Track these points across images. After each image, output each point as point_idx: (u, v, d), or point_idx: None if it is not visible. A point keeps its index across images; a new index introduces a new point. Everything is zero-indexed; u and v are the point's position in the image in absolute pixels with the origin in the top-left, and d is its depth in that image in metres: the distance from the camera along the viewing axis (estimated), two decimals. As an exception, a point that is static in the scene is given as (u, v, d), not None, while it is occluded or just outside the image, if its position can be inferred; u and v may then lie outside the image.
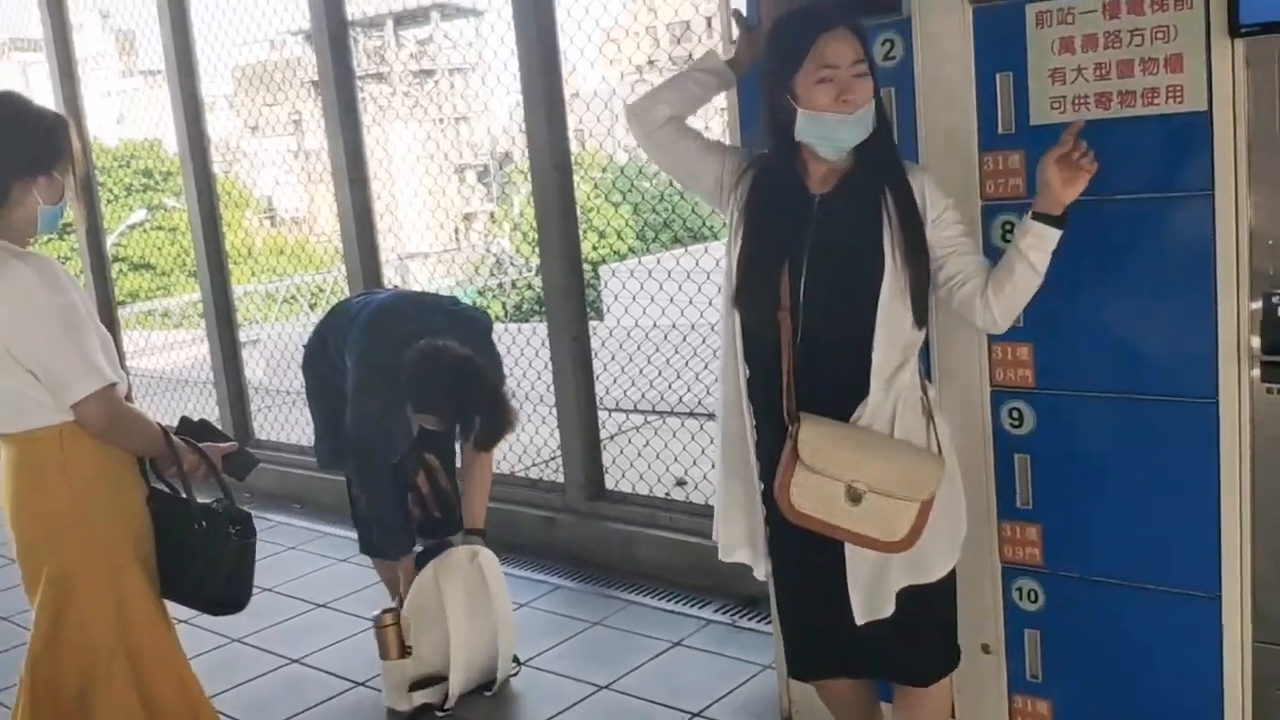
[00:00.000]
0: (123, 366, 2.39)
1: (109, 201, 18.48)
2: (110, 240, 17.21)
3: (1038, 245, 2.06)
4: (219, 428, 2.60)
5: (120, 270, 18.21)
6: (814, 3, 2.18)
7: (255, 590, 4.03)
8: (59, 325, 2.19)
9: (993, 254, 2.26)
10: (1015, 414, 2.48)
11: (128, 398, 2.40)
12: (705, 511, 3.93)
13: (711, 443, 4.33)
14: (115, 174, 17.90)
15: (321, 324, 3.45)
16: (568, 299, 4.09)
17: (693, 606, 3.73)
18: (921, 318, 2.13)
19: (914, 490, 2.11)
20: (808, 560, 2.24)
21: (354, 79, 4.75)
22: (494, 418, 3.09)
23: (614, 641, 3.57)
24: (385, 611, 3.22)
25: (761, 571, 2.36)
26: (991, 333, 2.28)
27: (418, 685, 3.20)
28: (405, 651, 3.19)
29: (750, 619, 3.58)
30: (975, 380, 2.50)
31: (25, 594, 2.38)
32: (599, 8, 4.20)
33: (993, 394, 2.50)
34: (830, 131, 2.08)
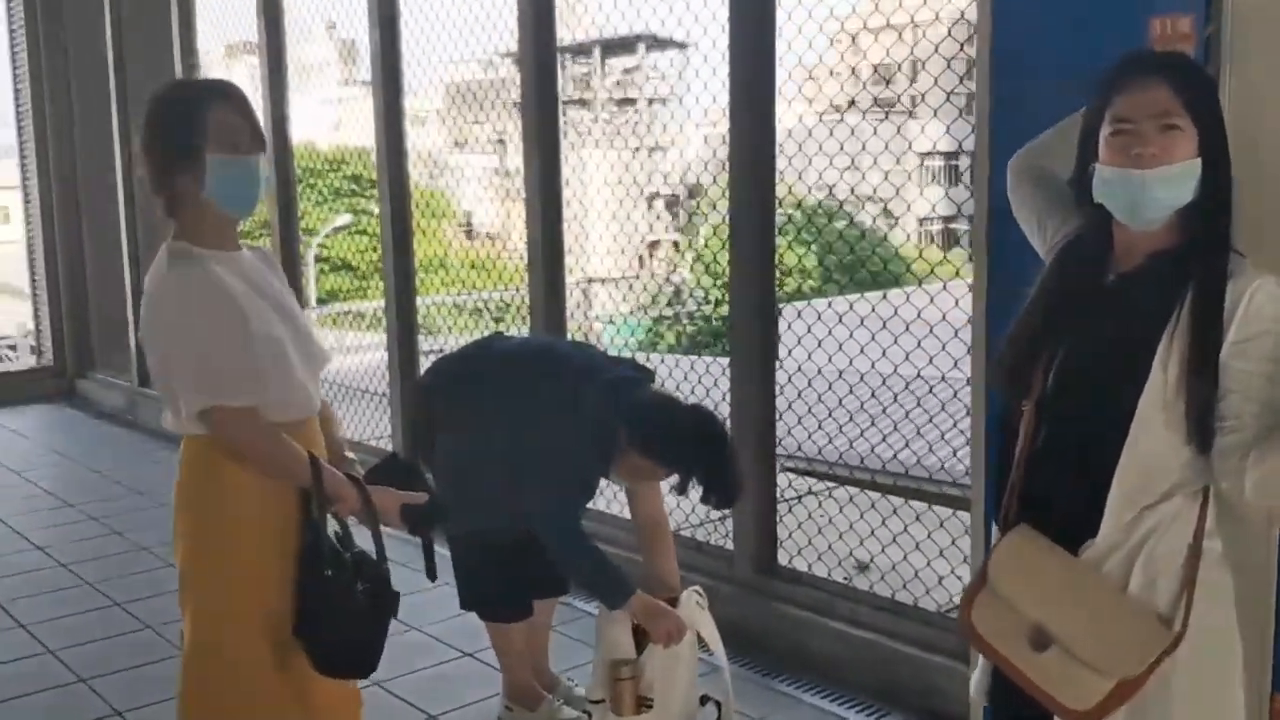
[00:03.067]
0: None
1: (318, 203, 19.28)
2: (315, 241, 17.92)
3: None
4: (422, 473, 2.46)
5: (322, 270, 19.02)
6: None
7: (403, 628, 3.93)
8: (180, 336, 2.09)
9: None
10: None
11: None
12: (891, 606, 3.53)
13: (893, 514, 3.99)
14: (326, 178, 18.63)
15: (460, 369, 3.17)
16: (756, 348, 3.77)
17: (869, 715, 3.31)
18: (1204, 446, 1.68)
19: (1108, 662, 1.69)
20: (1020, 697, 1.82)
21: (558, 105, 4.56)
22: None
23: (780, 745, 3.20)
24: (622, 663, 2.88)
25: (975, 689, 1.99)
26: (1235, 502, 1.83)
27: None
28: (641, 706, 2.88)
29: (938, 742, 3.15)
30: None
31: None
32: (803, 44, 3.90)
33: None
34: (1116, 191, 1.72)
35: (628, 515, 4.29)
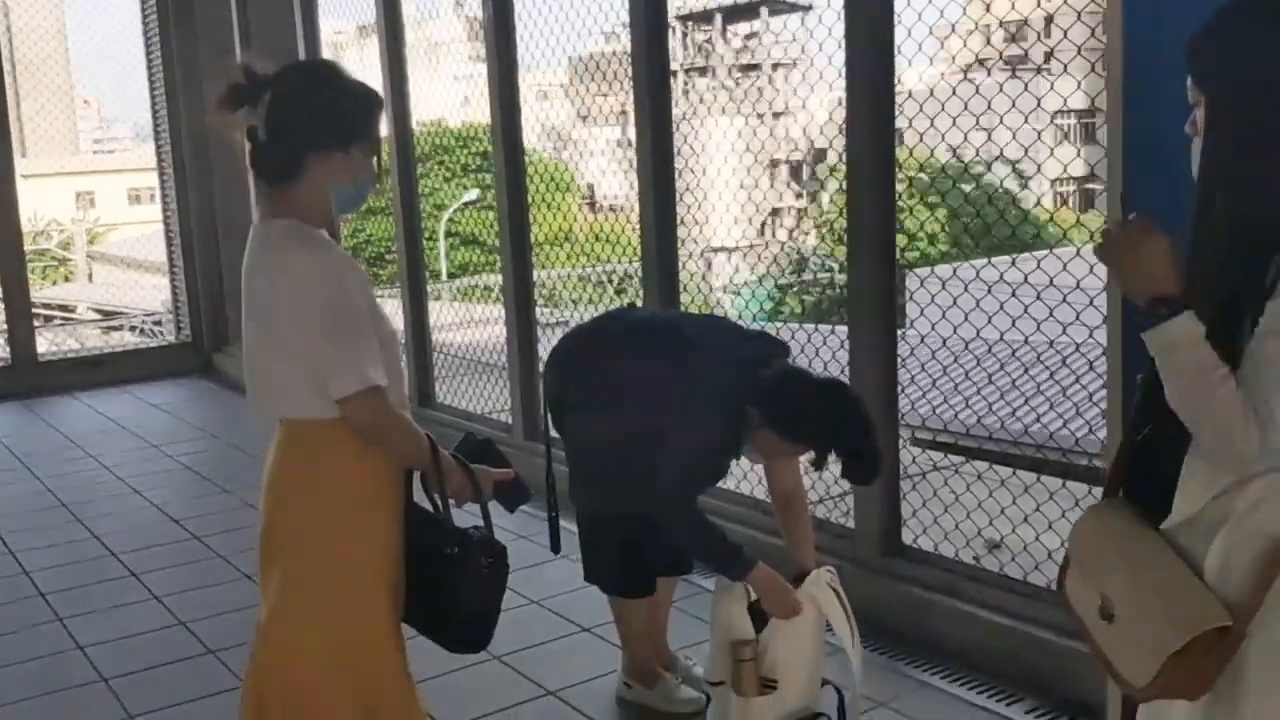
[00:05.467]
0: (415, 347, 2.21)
1: (448, 179, 19.57)
2: (445, 216, 18.18)
3: None
4: (500, 451, 2.40)
5: (452, 244, 19.35)
6: None
7: (523, 601, 3.94)
8: (330, 318, 2.06)
9: None
10: None
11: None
12: (1021, 588, 3.37)
13: (1025, 492, 3.80)
14: (455, 154, 18.85)
15: (588, 344, 3.14)
16: (877, 316, 3.62)
17: (1001, 702, 3.16)
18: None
19: (1147, 635, 1.57)
20: None
21: (668, 75, 4.46)
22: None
23: (906, 731, 3.08)
24: (743, 643, 2.82)
25: None
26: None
27: None
28: (766, 688, 2.81)
29: (1074, 731, 2.99)
30: None
31: (259, 575, 2.26)
32: (923, 1, 3.69)
33: None
34: None
35: (758, 494, 4.23)
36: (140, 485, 5.73)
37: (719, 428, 2.80)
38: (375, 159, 2.20)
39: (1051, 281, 3.91)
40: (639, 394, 2.92)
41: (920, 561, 3.65)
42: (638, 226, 4.57)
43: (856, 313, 3.69)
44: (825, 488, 4.21)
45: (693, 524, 2.89)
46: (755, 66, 27.20)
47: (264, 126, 2.12)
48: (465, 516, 2.27)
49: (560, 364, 3.19)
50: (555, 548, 3.09)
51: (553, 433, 3.29)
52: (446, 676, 3.22)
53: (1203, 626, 1.53)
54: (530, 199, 5.53)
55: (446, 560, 2.19)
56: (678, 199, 4.56)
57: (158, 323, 12.29)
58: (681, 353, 2.93)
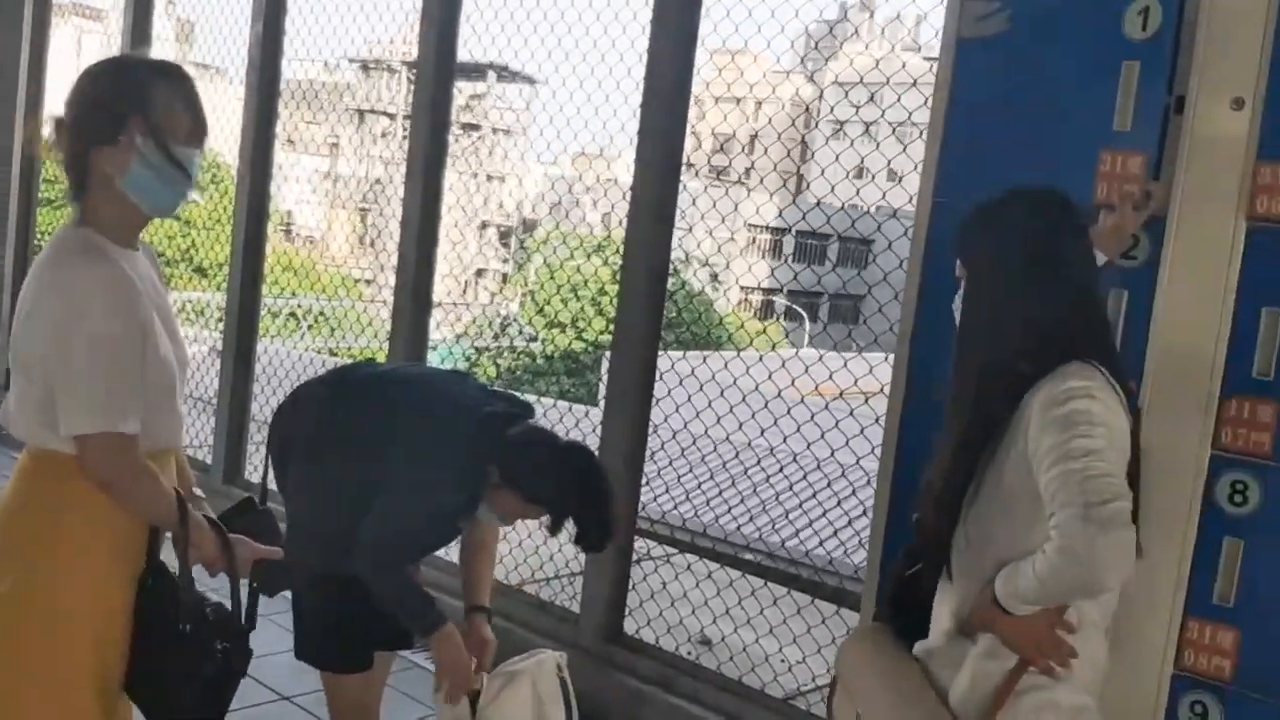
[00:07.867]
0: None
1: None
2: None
3: None
4: (278, 526, 2.21)
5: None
6: None
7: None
8: (85, 348, 1.81)
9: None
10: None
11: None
12: (737, 689, 3.47)
13: (752, 594, 3.94)
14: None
15: (324, 395, 2.96)
16: (634, 404, 3.64)
17: (707, 801, 3.24)
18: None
19: None
20: None
21: (448, 125, 4.38)
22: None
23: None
24: None
25: None
26: None
27: None
28: None
29: (777, 835, 3.09)
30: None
31: None
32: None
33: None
34: None
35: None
36: None
37: (455, 484, 2.71)
38: (158, 137, 1.87)
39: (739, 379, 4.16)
40: (376, 447, 2.79)
41: (638, 651, 3.68)
42: (334, 261, 4.45)
43: (614, 399, 3.71)
44: (555, 569, 4.20)
45: (391, 572, 2.76)
46: (476, 127, 27.38)
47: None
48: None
49: (290, 415, 2.99)
50: (251, 622, 2.79)
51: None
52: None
53: None
54: (217, 214, 5.17)
55: (178, 637, 1.94)
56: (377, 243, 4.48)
57: None
58: (423, 407, 2.83)
